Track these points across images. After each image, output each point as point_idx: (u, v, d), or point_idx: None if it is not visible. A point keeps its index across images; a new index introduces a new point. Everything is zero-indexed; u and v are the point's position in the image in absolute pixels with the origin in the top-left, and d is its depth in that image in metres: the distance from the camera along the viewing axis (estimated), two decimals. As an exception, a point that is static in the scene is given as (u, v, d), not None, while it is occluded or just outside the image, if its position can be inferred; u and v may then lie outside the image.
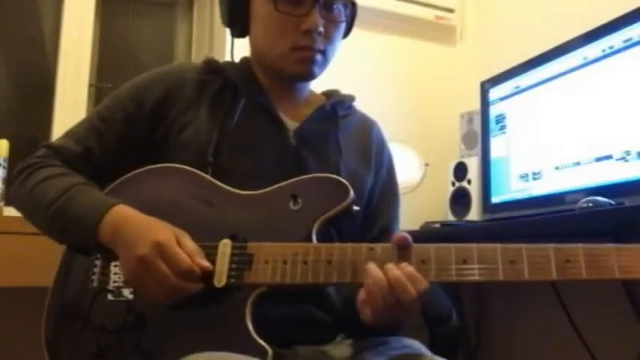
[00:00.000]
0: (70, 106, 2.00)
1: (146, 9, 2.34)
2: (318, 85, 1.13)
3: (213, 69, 1.07)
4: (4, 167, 1.64)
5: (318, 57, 1.02)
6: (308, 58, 1.01)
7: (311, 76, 1.05)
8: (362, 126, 1.15)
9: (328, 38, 1.02)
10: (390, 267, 0.79)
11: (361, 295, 0.84)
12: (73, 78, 2.04)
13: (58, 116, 2.01)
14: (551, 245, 0.78)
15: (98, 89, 2.13)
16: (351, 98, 1.16)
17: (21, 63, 2.12)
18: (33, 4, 2.12)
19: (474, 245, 0.80)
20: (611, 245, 0.77)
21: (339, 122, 1.09)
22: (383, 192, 1.11)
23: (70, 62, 2.04)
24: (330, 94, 1.15)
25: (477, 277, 0.79)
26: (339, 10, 1.04)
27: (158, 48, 2.33)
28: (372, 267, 0.81)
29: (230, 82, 1.06)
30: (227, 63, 1.10)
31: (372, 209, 1.09)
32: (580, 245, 0.78)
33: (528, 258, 0.78)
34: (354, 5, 1.06)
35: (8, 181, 1.60)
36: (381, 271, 0.80)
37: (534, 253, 0.78)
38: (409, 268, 0.79)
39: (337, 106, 1.10)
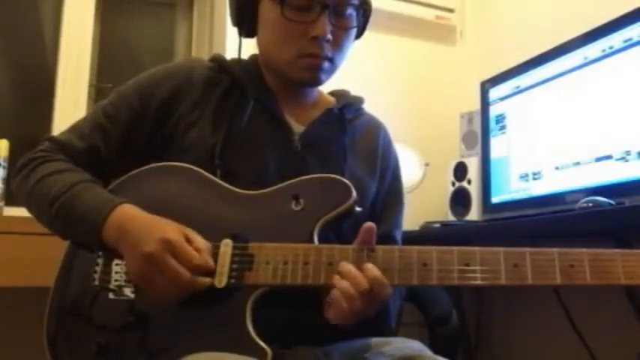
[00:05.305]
0: (70, 106, 2.00)
1: (146, 9, 2.34)
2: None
3: (221, 67, 1.06)
4: (4, 167, 1.64)
5: (326, 64, 0.99)
6: (315, 66, 0.98)
7: (317, 83, 1.04)
8: (369, 129, 1.13)
9: (337, 45, 0.99)
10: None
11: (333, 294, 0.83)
12: (73, 78, 2.04)
13: (58, 116, 2.01)
14: (556, 250, 0.78)
15: (98, 89, 2.13)
16: (360, 100, 1.14)
17: (21, 63, 2.11)
18: (33, 4, 2.12)
19: (476, 248, 0.80)
20: (617, 250, 0.76)
21: (346, 126, 1.07)
22: (387, 198, 1.10)
23: (70, 62, 2.04)
24: (339, 96, 1.13)
25: (479, 281, 0.79)
26: (351, 15, 1.00)
27: (158, 48, 2.32)
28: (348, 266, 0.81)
29: (238, 81, 1.03)
30: (235, 61, 1.08)
31: (374, 216, 1.06)
32: (585, 250, 0.77)
33: (532, 262, 0.78)
34: (365, 10, 1.02)
35: (8, 181, 1.59)
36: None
37: (538, 257, 0.78)
38: (375, 271, 0.80)
39: (345, 109, 1.08)
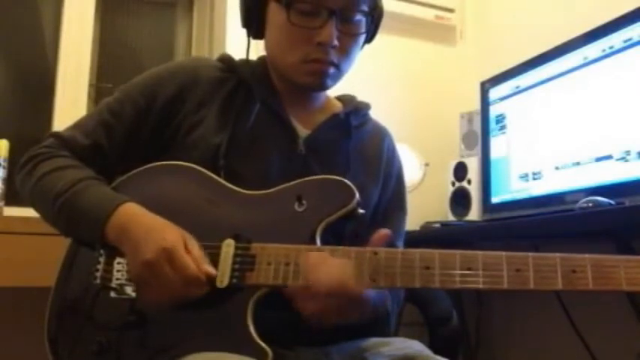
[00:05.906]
0: (70, 106, 2.00)
1: (146, 9, 2.34)
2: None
3: (228, 67, 1.05)
4: (4, 167, 1.63)
5: (331, 70, 0.98)
6: (319, 71, 0.97)
7: (322, 88, 1.03)
8: (374, 136, 1.12)
9: (344, 51, 0.98)
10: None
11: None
12: (73, 78, 2.04)
13: (58, 116, 2.01)
14: (558, 255, 0.78)
15: (98, 89, 2.13)
16: (367, 106, 1.13)
17: (21, 63, 2.11)
18: (33, 4, 2.11)
19: (479, 252, 0.80)
20: (620, 257, 0.76)
21: (351, 132, 1.06)
22: (389, 205, 1.10)
23: (70, 62, 2.04)
24: (345, 101, 1.12)
25: (480, 285, 0.79)
26: (359, 21, 0.98)
27: (158, 48, 2.32)
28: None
29: (244, 82, 1.03)
30: (243, 61, 1.07)
31: (376, 223, 1.05)
32: (587, 255, 0.77)
33: (534, 267, 0.78)
34: (374, 16, 1.00)
35: (8, 181, 1.59)
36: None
37: (540, 262, 0.78)
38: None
39: (352, 114, 1.08)
